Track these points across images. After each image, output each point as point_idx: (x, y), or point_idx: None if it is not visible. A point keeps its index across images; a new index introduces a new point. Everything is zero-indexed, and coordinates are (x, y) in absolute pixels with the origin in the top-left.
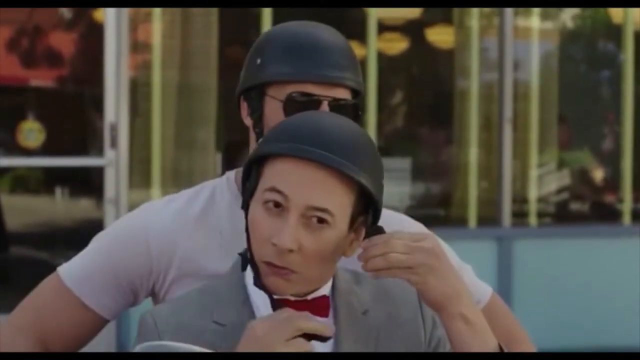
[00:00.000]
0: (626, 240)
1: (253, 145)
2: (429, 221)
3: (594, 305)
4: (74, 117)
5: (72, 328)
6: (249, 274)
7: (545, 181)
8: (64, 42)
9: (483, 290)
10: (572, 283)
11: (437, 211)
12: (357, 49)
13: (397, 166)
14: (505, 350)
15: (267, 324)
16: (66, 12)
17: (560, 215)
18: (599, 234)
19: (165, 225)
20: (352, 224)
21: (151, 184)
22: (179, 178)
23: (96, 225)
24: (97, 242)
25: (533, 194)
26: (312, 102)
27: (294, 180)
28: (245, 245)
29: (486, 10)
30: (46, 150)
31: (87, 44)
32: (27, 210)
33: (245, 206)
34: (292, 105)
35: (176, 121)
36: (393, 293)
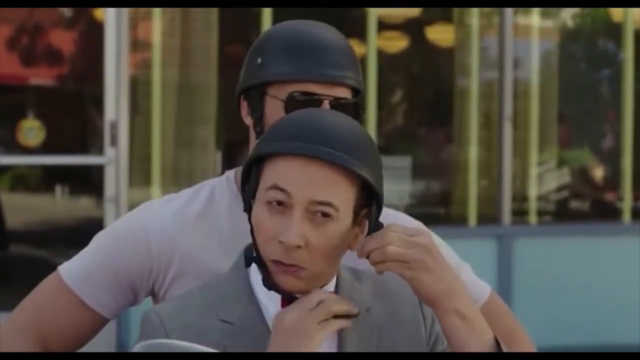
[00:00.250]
0: (626, 239)
1: (253, 144)
2: (429, 219)
3: (594, 304)
4: (74, 115)
5: (72, 327)
6: (253, 271)
7: (545, 179)
8: (64, 40)
9: (482, 289)
10: (572, 281)
11: (437, 209)
12: (357, 47)
13: (397, 164)
14: (503, 346)
15: (294, 313)
16: (66, 11)
17: (560, 214)
18: (599, 232)
19: (165, 224)
20: (356, 218)
21: (151, 182)
22: (179, 176)
23: (96, 224)
24: (97, 241)
25: (533, 192)
26: (313, 102)
27: (296, 177)
28: (245, 245)
29: (486, 8)
30: (46, 148)
31: (87, 42)
32: (27, 209)
33: (248, 207)
34: (293, 105)
35: (176, 119)
36: (393, 291)
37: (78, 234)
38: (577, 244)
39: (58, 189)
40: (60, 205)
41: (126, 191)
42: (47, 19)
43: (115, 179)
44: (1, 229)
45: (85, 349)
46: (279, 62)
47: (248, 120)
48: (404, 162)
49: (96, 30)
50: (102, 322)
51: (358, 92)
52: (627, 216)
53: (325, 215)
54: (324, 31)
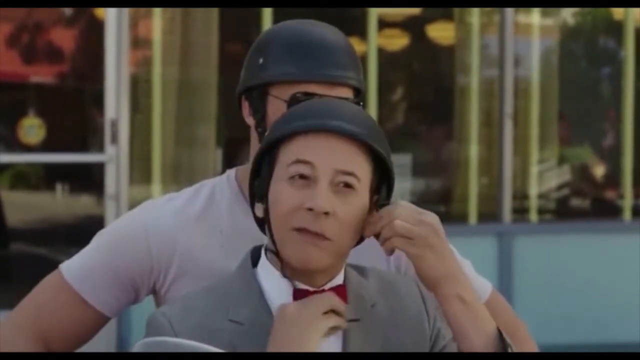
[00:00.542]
0: (626, 237)
1: (254, 144)
2: None
3: (595, 302)
4: (74, 113)
5: (73, 325)
6: (261, 271)
7: (545, 177)
8: (64, 38)
9: (483, 286)
10: (573, 279)
11: (438, 207)
12: (358, 45)
13: (397, 162)
14: (506, 336)
15: (296, 306)
16: (67, 9)
17: (561, 212)
18: (600, 230)
19: (165, 223)
20: (371, 198)
21: (152, 180)
22: (180, 174)
23: (97, 222)
24: (98, 240)
25: (533, 190)
26: None
27: (319, 149)
28: (245, 245)
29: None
30: (46, 146)
31: (88, 40)
32: (27, 207)
33: (259, 198)
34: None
35: (176, 117)
36: (397, 287)
37: (78, 232)
38: (578, 242)
39: (58, 186)
40: (60, 203)
41: (127, 189)
42: (47, 17)
43: (115, 177)
44: (2, 226)
45: (86, 347)
46: (281, 62)
47: (250, 121)
48: (404, 159)
49: (96, 28)
50: (103, 320)
51: (359, 92)
52: (627, 214)
53: (347, 186)
54: (325, 31)
